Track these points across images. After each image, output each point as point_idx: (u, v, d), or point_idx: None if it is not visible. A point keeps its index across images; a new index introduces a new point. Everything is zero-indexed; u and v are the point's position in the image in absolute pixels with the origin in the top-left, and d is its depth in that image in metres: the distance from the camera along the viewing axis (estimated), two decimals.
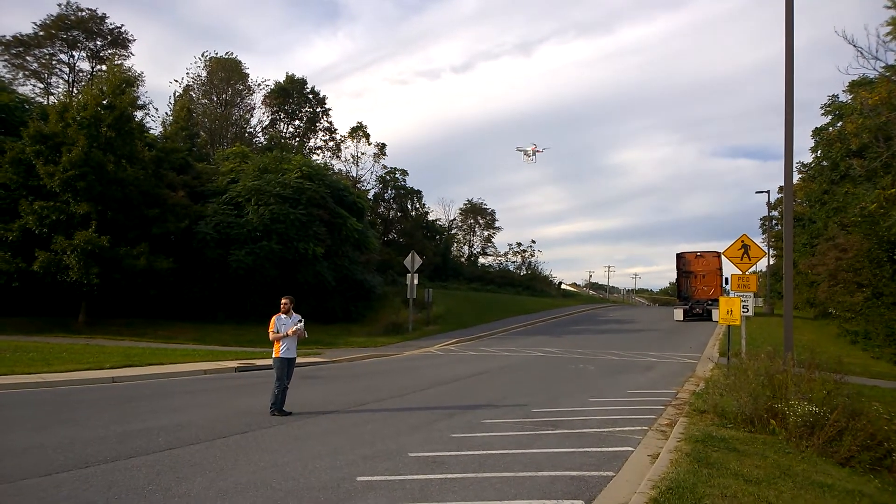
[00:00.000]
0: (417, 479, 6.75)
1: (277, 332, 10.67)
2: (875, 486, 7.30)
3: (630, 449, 8.29)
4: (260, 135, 54.01)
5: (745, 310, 15.63)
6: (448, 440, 8.77)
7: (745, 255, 15.58)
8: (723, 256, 32.16)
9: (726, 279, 30.95)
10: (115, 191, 25.96)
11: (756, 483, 6.52)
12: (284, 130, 55.27)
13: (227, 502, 5.89)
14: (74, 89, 42.71)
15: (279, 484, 6.51)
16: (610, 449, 8.28)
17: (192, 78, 51.32)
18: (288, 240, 30.07)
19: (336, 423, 10.08)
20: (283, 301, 11.04)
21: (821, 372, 10.19)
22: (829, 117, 43.82)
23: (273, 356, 10.74)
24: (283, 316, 10.81)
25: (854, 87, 37.55)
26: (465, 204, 76.32)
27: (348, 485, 6.54)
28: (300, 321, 10.90)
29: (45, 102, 36.56)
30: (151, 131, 35.26)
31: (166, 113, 45.55)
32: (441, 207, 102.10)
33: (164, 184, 29.24)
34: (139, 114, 31.32)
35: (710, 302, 38.83)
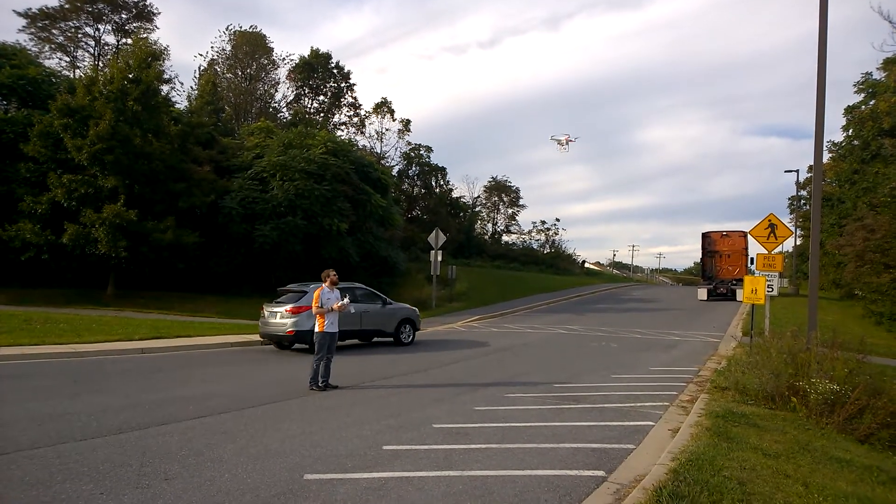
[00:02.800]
0: (442, 449, 6.95)
1: (322, 307, 10.68)
2: (893, 463, 7.37)
3: (651, 423, 8.41)
4: (284, 110, 54.21)
5: (770, 289, 15.59)
6: (471, 412, 8.96)
7: (772, 235, 15.47)
8: (749, 236, 32.06)
9: (751, 259, 30.69)
10: (142, 165, 26.32)
11: (775, 457, 6.62)
12: (309, 106, 55.38)
13: (258, 466, 6.13)
14: (100, 63, 43.14)
15: (307, 451, 6.75)
16: (631, 423, 8.41)
17: (217, 52, 51.55)
18: (312, 215, 30.30)
19: (362, 395, 10.32)
20: (330, 274, 11.04)
21: (844, 351, 10.20)
22: (862, 95, 42.94)
23: (316, 330, 10.78)
24: (327, 289, 10.83)
25: (888, 64, 36.72)
26: (490, 181, 76.14)
27: (374, 452, 6.76)
28: (346, 297, 11.00)
29: (72, 76, 36.97)
30: (177, 105, 35.53)
31: (191, 87, 45.99)
32: (465, 185, 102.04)
33: (190, 158, 29.52)
34: (165, 88, 31.66)
35: (734, 282, 38.58)
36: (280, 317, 15.68)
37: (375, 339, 18.39)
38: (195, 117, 32.97)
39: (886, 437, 8.24)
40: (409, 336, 18.72)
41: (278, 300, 16.59)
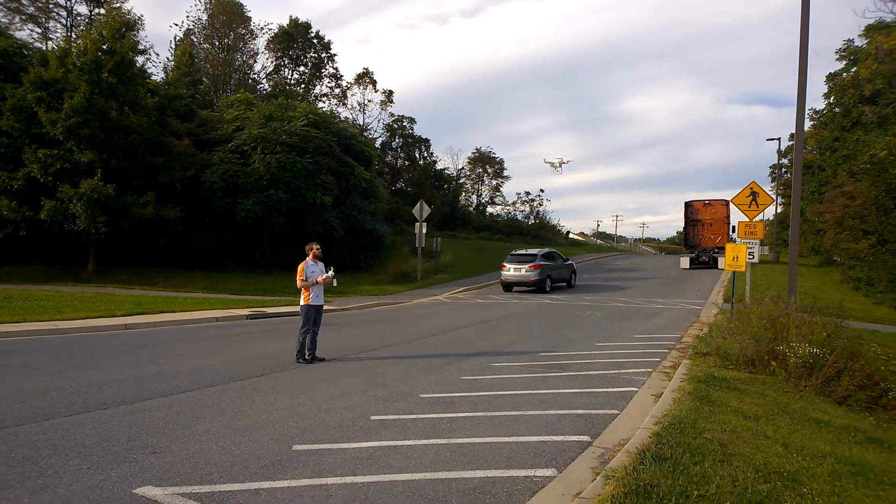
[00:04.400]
0: (429, 418, 7.02)
1: (307, 280, 10.66)
2: (870, 423, 7.57)
3: (635, 389, 8.55)
4: (264, 81, 53.42)
5: (751, 256, 15.76)
6: (458, 382, 9.05)
7: (754, 203, 15.61)
8: (731, 205, 32.29)
9: (733, 227, 30.97)
10: (119, 138, 25.92)
11: (755, 419, 6.78)
12: (289, 77, 54.64)
13: (246, 439, 6.16)
14: (73, 34, 42.08)
15: (295, 423, 6.78)
16: (615, 389, 8.55)
17: (193, 22, 50.55)
18: (295, 189, 30.08)
19: (348, 366, 10.37)
20: (314, 247, 10.98)
21: (822, 316, 10.40)
22: (844, 63, 43.03)
23: (301, 303, 10.76)
24: (311, 262, 10.78)
25: (870, 31, 36.77)
26: (474, 153, 75.70)
27: (362, 423, 6.81)
28: (331, 269, 10.96)
29: (44, 48, 36.10)
30: (153, 77, 34.82)
31: (167, 58, 44.96)
32: (449, 156, 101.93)
33: (169, 132, 29.11)
34: (140, 59, 30.84)
35: (716, 250, 38.94)
36: (525, 271, 26.53)
37: None
38: (172, 89, 32.37)
39: (863, 399, 8.45)
40: (574, 281, 29.79)
41: (513, 261, 27.20)
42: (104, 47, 25.98)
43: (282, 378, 9.27)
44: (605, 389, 8.55)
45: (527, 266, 26.58)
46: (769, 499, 4.56)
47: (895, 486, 5.13)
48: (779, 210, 51.43)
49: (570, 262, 30.21)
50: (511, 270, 26.84)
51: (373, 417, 7.03)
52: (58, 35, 43.07)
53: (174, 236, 28.49)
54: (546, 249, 28.95)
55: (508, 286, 27.45)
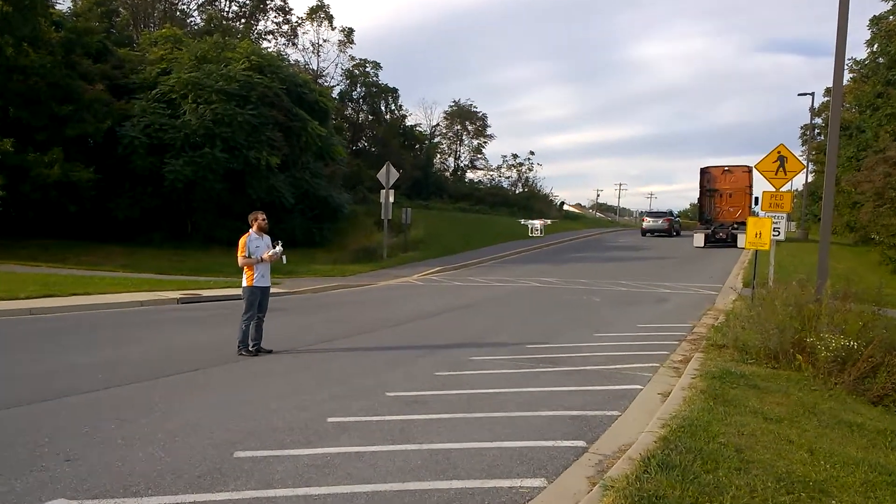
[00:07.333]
0: (397, 420, 7.07)
1: (250, 257, 10.47)
2: None
3: (639, 387, 8.70)
4: (195, 14, 52.47)
5: (777, 233, 16.00)
6: (431, 378, 9.13)
7: (781, 169, 15.77)
8: (754, 172, 32.66)
9: (756, 199, 31.33)
10: (17, 81, 25.42)
11: (777, 421, 6.95)
12: (226, 10, 53.70)
13: (178, 443, 6.15)
14: None
15: (237, 425, 6.79)
16: (616, 387, 8.69)
17: None
18: (235, 147, 29.76)
19: (300, 359, 10.39)
20: (258, 217, 10.77)
21: (857, 303, 10.61)
22: (891, 3, 43.36)
23: (244, 285, 10.59)
24: (255, 236, 10.61)
25: None
26: (451, 106, 75.52)
27: (317, 426, 6.84)
28: (279, 244, 10.81)
29: None
30: (58, 7, 34.04)
31: None
32: (422, 110, 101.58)
33: (78, 74, 28.58)
34: None
35: (735, 225, 39.34)
36: (661, 222, 53.04)
37: None
38: (82, 22, 31.74)
39: None
40: (680, 231, 53.89)
41: (651, 216, 56.03)
42: None
43: (220, 373, 9.28)
44: (603, 387, 8.69)
45: (661, 219, 53.20)
46: None
47: None
48: (810, 179, 52.18)
49: (678, 218, 59.20)
50: (650, 222, 53.50)
51: (330, 419, 7.07)
52: None
53: (87, 203, 28.09)
54: (669, 210, 62.13)
55: (645, 232, 52.68)
